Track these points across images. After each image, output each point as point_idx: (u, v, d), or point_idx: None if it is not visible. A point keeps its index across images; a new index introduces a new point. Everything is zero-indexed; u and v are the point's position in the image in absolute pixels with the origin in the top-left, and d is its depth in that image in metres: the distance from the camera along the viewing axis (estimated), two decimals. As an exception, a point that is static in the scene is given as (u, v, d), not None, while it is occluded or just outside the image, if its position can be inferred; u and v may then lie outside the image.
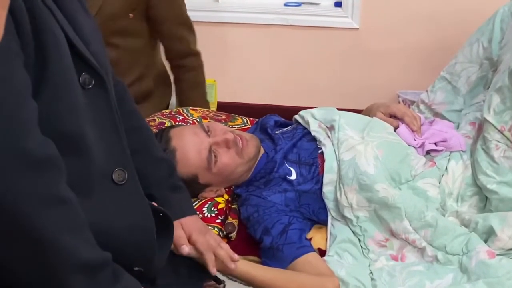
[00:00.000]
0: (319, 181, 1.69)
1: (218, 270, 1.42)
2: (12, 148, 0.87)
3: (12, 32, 0.87)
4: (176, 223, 1.36)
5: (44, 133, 0.95)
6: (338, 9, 2.55)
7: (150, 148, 1.41)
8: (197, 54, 2.38)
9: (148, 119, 2.04)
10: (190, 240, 1.40)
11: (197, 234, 1.39)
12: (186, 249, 1.37)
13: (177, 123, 2.05)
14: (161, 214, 1.26)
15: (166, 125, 2.00)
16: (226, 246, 1.43)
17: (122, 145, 1.17)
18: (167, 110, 2.27)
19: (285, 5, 2.62)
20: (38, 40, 0.96)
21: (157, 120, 2.07)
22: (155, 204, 1.34)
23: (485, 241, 1.52)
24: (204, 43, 2.65)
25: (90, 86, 1.07)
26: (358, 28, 2.51)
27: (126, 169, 1.15)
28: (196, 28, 2.63)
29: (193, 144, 1.69)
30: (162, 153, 1.48)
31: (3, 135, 0.86)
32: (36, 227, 0.91)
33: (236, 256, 1.43)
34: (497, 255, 1.49)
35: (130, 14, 2.17)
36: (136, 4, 2.19)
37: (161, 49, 2.43)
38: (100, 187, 1.10)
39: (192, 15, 2.61)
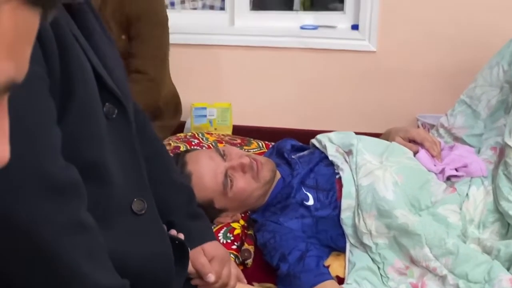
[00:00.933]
0: (337, 207, 1.69)
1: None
2: (35, 172, 0.89)
3: (39, 57, 0.89)
4: (198, 249, 1.37)
5: (66, 160, 0.96)
6: (355, 32, 2.55)
7: (170, 174, 1.42)
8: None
9: (163, 143, 2.06)
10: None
11: (218, 263, 1.39)
12: (212, 278, 1.36)
13: (192, 147, 2.07)
14: (177, 242, 1.27)
15: (181, 149, 2.02)
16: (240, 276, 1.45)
17: (141, 175, 1.18)
18: (182, 134, 2.31)
19: (302, 28, 2.63)
20: (65, 68, 0.98)
21: (172, 144, 2.09)
22: (173, 231, 1.35)
23: (508, 269, 1.51)
24: (219, 66, 2.68)
25: (113, 116, 1.09)
26: (375, 51, 2.52)
27: (146, 199, 1.16)
28: (212, 51, 2.67)
29: (208, 168, 1.70)
30: (182, 179, 1.49)
31: (27, 159, 0.87)
32: (56, 252, 0.92)
33: None
34: (521, 283, 1.48)
35: (122, 36, 2.18)
36: (125, 25, 2.21)
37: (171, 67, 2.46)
38: (119, 216, 1.12)
39: (208, 38, 2.65)
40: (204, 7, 2.97)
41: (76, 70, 0.99)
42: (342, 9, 2.66)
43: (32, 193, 0.89)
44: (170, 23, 2.29)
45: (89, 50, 1.05)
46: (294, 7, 3.50)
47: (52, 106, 0.94)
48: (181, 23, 2.67)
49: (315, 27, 2.64)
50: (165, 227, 1.35)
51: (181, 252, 1.27)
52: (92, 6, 1.19)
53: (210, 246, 1.39)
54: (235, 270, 1.45)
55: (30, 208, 0.89)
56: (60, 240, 0.92)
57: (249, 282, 1.55)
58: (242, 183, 1.71)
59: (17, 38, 0.50)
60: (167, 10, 2.62)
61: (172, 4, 2.92)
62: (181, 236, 1.35)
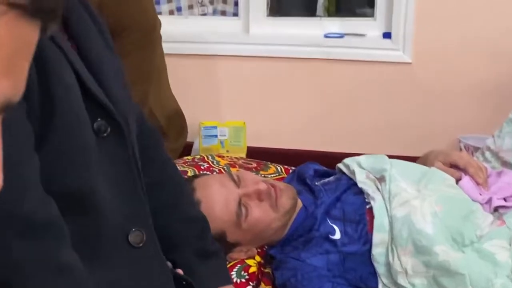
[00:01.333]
0: (368, 242, 1.69)
1: None
2: (7, 210, 0.89)
3: None
4: None
5: (48, 189, 0.97)
6: (387, 40, 2.57)
7: (181, 204, 1.42)
8: None
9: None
10: None
11: None
12: None
13: (201, 172, 2.08)
14: (184, 283, 1.28)
15: (188, 174, 2.03)
16: None
17: (141, 202, 1.18)
18: (189, 157, 2.31)
19: (326, 36, 2.65)
20: (44, 86, 0.98)
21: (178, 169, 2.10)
22: (179, 269, 1.35)
23: None
24: (232, 79, 2.69)
25: (105, 134, 1.09)
26: (410, 63, 2.53)
27: (145, 230, 1.16)
28: (223, 62, 2.68)
29: (220, 195, 1.71)
30: (196, 211, 1.49)
31: None
32: None
33: None
34: None
35: None
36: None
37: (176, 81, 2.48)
38: (114, 249, 1.12)
39: (220, 48, 2.67)
40: (215, 12, 3.00)
41: (57, 87, 0.99)
42: (372, 15, 2.68)
43: (3, 235, 0.90)
44: (176, 32, 2.31)
45: (77, 61, 1.06)
46: (317, 13, 3.52)
47: (29, 132, 0.95)
48: (188, 31, 2.70)
49: (341, 35, 2.65)
50: (170, 265, 1.35)
51: None
52: (91, 8, 1.20)
53: None
54: None
55: (1, 250, 0.90)
56: (35, 283, 0.93)
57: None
58: (259, 212, 1.71)
59: (14, 54, 0.52)
60: (170, 16, 2.67)
61: (179, 9, 2.93)
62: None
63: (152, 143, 1.36)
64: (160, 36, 2.25)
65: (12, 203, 0.90)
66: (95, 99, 1.07)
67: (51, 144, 1.00)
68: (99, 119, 1.08)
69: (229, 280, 1.46)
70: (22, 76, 0.54)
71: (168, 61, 2.37)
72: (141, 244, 1.15)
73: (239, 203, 1.70)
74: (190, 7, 2.96)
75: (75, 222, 1.02)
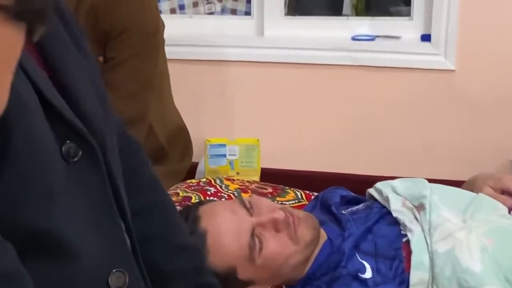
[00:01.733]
0: (405, 282, 1.69)
1: None
2: None
3: None
4: None
5: (4, 230, 0.97)
6: (426, 43, 2.58)
7: (172, 233, 1.42)
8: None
9: (168, 192, 2.08)
10: None
11: None
12: None
13: (207, 198, 2.09)
14: None
15: (193, 200, 2.05)
16: None
17: (121, 237, 1.18)
18: (193, 180, 2.32)
19: (354, 39, 2.67)
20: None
21: (180, 194, 2.12)
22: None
23: None
24: (243, 89, 2.71)
25: (76, 159, 1.09)
26: (453, 70, 2.53)
27: (127, 270, 1.16)
28: (236, 69, 2.70)
29: (230, 225, 1.72)
30: (189, 239, 1.50)
31: None
32: None
33: None
34: None
35: (100, 58, 2.18)
36: (103, 43, 2.20)
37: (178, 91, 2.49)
38: None
39: (232, 52, 2.69)
40: (224, 11, 3.03)
41: (13, 109, 0.94)
42: (408, 14, 2.70)
43: None
44: (178, 34, 2.32)
45: (38, 74, 1.06)
46: (344, 11, 3.54)
47: None
48: (193, 32, 2.74)
49: (371, 38, 2.67)
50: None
51: None
52: (62, 5, 1.20)
53: None
54: None
55: None
56: None
57: None
58: (275, 245, 1.71)
59: None
60: (172, 16, 2.68)
61: (182, 7, 2.97)
62: None
63: (138, 164, 1.37)
64: (163, 40, 2.27)
65: None
66: (62, 118, 1.07)
67: (7, 177, 0.99)
68: (68, 141, 1.08)
69: None
70: (5, 88, 0.57)
71: (169, 67, 2.39)
72: (124, 287, 1.15)
73: (252, 234, 1.70)
74: (195, 4, 2.99)
75: (43, 268, 1.02)
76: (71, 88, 1.11)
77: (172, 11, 2.90)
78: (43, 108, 1.04)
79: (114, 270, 1.14)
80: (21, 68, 1.00)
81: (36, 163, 1.02)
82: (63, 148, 1.06)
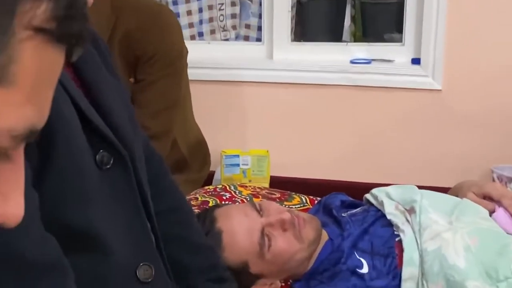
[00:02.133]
0: (397, 276, 1.69)
1: None
2: (5, 253, 0.89)
3: None
4: None
5: (48, 227, 0.98)
6: (416, 66, 2.58)
7: (192, 234, 1.43)
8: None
9: (188, 197, 2.08)
10: None
11: None
12: None
13: (223, 202, 2.09)
14: None
15: (210, 204, 2.04)
16: None
17: (147, 235, 1.19)
18: (211, 187, 2.33)
19: (352, 62, 2.66)
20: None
21: (199, 199, 2.12)
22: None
23: None
24: (255, 107, 2.71)
25: (108, 166, 1.10)
26: (440, 89, 2.53)
27: (153, 264, 1.17)
28: (246, 89, 2.70)
29: (242, 225, 1.72)
30: (204, 239, 1.51)
31: None
32: None
33: None
34: None
35: (130, 79, 2.17)
36: (133, 66, 2.19)
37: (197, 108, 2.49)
38: (123, 286, 1.13)
39: (243, 74, 2.68)
40: (237, 38, 3.03)
41: (55, 121, 0.99)
42: (400, 40, 2.70)
43: (2, 278, 0.91)
44: (197, 57, 2.32)
45: (76, 92, 1.07)
46: (343, 38, 3.54)
47: (26, 168, 0.95)
48: (210, 56, 2.74)
49: (368, 61, 2.67)
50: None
51: None
52: (96, 36, 1.22)
53: None
54: None
55: None
56: None
57: None
58: (282, 242, 1.71)
59: (39, 80, 0.53)
60: (193, 42, 2.68)
61: (200, 34, 2.97)
62: None
63: (160, 172, 1.38)
64: (187, 64, 2.28)
65: (7, 243, 0.90)
66: (97, 131, 1.08)
67: (50, 182, 1.01)
68: (101, 150, 1.09)
69: None
70: (47, 102, 0.55)
71: (190, 87, 2.40)
72: (150, 279, 1.16)
73: (262, 233, 1.70)
74: (212, 32, 2.99)
75: (80, 260, 1.03)
76: (103, 105, 1.12)
77: (192, 37, 2.90)
78: (80, 121, 1.05)
79: (141, 264, 1.15)
80: (61, 85, 1.02)
81: (75, 170, 1.04)
82: (97, 157, 1.08)
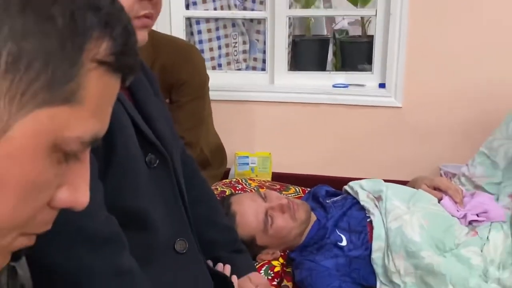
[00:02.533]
0: (368, 248, 1.69)
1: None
2: (78, 227, 0.90)
3: None
4: (245, 278, 1.39)
5: (110, 209, 0.98)
6: (382, 89, 2.57)
7: (217, 217, 1.44)
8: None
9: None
10: None
11: None
12: None
13: (236, 191, 2.10)
14: (221, 276, 1.29)
15: (227, 193, 2.05)
16: None
17: (183, 217, 1.19)
18: (227, 180, 2.34)
19: (334, 86, 2.65)
20: (107, 130, 0.99)
21: (219, 189, 2.13)
22: (220, 265, 1.37)
23: (528, 308, 1.49)
24: (261, 119, 2.71)
25: (155, 165, 1.10)
26: (401, 107, 2.53)
27: (187, 239, 1.17)
28: (254, 106, 2.70)
29: (251, 208, 1.73)
30: (227, 221, 1.52)
31: (70, 216, 0.89)
32: None
33: None
34: (540, 321, 1.45)
35: (166, 100, 2.13)
36: (169, 90, 2.17)
37: (217, 121, 2.49)
38: (163, 256, 1.12)
39: (251, 95, 2.68)
40: (247, 68, 3.02)
41: (116, 130, 1.00)
42: (370, 69, 2.68)
43: (74, 247, 0.91)
44: (217, 83, 2.30)
45: (130, 106, 1.07)
46: (327, 68, 3.53)
47: (95, 163, 0.95)
48: (227, 82, 2.72)
49: (346, 86, 2.65)
50: (211, 262, 1.37)
51: (225, 285, 1.29)
52: (144, 64, 1.22)
53: (255, 276, 1.42)
54: None
55: (73, 259, 0.91)
56: (98, 284, 0.93)
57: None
58: (281, 221, 1.72)
59: (101, 100, 0.53)
60: (213, 71, 2.69)
61: (220, 65, 2.96)
62: (228, 268, 1.37)
63: (192, 171, 1.37)
64: (208, 88, 2.27)
65: (79, 220, 0.89)
66: (145, 137, 1.09)
67: (112, 174, 1.01)
68: (150, 153, 1.10)
69: (255, 269, 1.48)
70: (107, 117, 0.56)
71: (212, 106, 2.39)
72: (184, 251, 1.16)
73: (266, 214, 1.72)
74: (228, 63, 2.99)
75: (133, 235, 1.02)
76: (150, 118, 1.13)
77: (213, 68, 2.90)
78: (134, 130, 1.06)
79: (178, 239, 1.16)
80: (120, 101, 1.03)
81: (130, 168, 1.04)
82: (146, 158, 1.09)
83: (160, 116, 1.17)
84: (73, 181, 0.55)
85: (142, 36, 1.02)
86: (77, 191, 0.55)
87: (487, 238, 1.64)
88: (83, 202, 0.56)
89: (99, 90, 0.52)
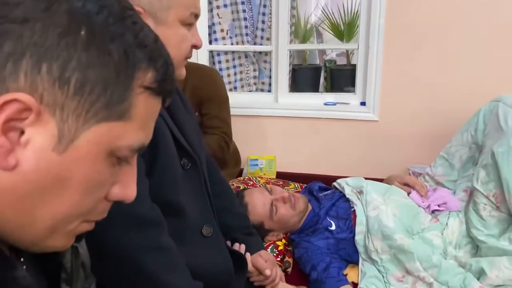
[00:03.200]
0: (352, 232, 1.69)
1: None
2: (129, 212, 0.90)
3: None
4: (256, 255, 1.38)
5: (153, 200, 0.98)
6: (363, 107, 2.56)
7: (234, 207, 1.43)
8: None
9: (229, 183, 2.08)
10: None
11: (271, 264, 1.40)
12: (268, 272, 1.37)
13: (248, 186, 2.10)
14: (238, 254, 1.29)
15: (241, 188, 2.05)
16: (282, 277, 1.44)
17: (209, 208, 1.18)
18: (241, 178, 2.33)
19: (325, 104, 2.65)
20: (152, 138, 1.00)
21: (235, 185, 2.13)
22: (236, 245, 1.37)
23: (478, 279, 1.48)
24: (267, 130, 2.70)
25: (188, 167, 1.10)
26: (378, 120, 2.52)
27: (212, 226, 1.17)
28: (262, 121, 2.68)
29: (260, 200, 1.72)
30: (241, 210, 1.51)
31: (123, 204, 0.89)
32: (144, 269, 0.93)
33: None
34: (488, 290, 1.44)
35: (196, 113, 2.13)
36: (199, 104, 2.15)
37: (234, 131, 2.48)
38: (192, 238, 1.13)
39: (259, 111, 2.67)
40: (257, 90, 3.02)
41: (159, 139, 1.00)
42: (353, 91, 2.67)
43: (126, 227, 0.92)
44: (233, 101, 2.29)
45: (168, 119, 1.07)
46: (319, 90, 3.55)
47: (141, 164, 0.96)
48: (240, 101, 2.72)
49: (334, 104, 2.64)
50: (230, 243, 1.37)
51: (240, 261, 1.29)
52: (178, 88, 1.22)
53: (264, 253, 1.42)
54: (280, 272, 1.46)
55: (124, 238, 0.91)
56: (146, 258, 0.93)
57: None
58: (284, 210, 1.72)
59: (147, 117, 0.54)
60: (231, 92, 2.69)
61: (235, 88, 2.96)
62: (243, 247, 1.36)
63: (215, 171, 1.37)
64: (229, 105, 2.27)
65: (133, 205, 0.89)
66: (180, 144, 1.08)
67: (155, 173, 1.01)
68: (184, 158, 1.09)
69: (264, 247, 1.47)
70: (151, 130, 0.56)
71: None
72: (209, 235, 1.16)
73: (271, 205, 1.72)
74: (242, 86, 2.99)
75: (170, 221, 1.02)
76: (183, 129, 1.12)
77: (230, 90, 2.89)
78: (172, 139, 1.06)
79: (205, 225, 1.15)
80: (162, 117, 1.03)
81: (169, 169, 1.04)
82: (182, 162, 1.09)
83: (191, 129, 1.17)
84: (124, 180, 0.56)
85: (184, 71, 1.04)
86: (127, 188, 0.56)
87: (446, 224, 1.64)
88: (131, 196, 0.57)
89: (145, 109, 0.53)
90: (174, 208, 1.06)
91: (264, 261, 1.38)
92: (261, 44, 2.90)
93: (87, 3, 0.48)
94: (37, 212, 0.50)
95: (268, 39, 2.86)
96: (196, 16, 1.03)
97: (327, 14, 3.56)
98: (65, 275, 0.63)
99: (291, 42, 2.73)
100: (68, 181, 0.49)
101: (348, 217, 1.74)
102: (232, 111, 2.42)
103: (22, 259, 0.56)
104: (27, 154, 0.47)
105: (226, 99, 2.23)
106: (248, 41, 2.92)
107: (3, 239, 0.51)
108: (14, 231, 0.50)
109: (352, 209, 1.75)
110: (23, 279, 0.50)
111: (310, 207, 1.82)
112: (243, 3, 2.86)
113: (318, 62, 3.88)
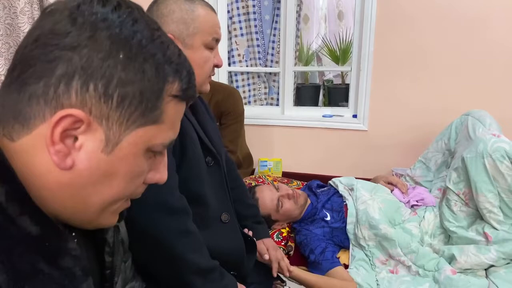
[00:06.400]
0: (344, 222, 1.68)
1: (281, 274, 1.41)
2: (161, 201, 0.91)
3: None
4: (260, 241, 1.37)
5: (181, 192, 0.98)
6: (355, 119, 2.55)
7: (246, 198, 1.42)
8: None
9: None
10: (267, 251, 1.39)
11: (272, 249, 1.39)
12: (267, 257, 1.37)
13: (258, 183, 2.10)
14: (249, 239, 1.28)
15: (252, 184, 2.05)
16: (286, 261, 1.42)
17: (228, 199, 1.17)
18: (253, 176, 2.32)
19: (323, 116, 2.64)
20: (181, 140, 0.98)
21: (247, 181, 2.13)
22: (247, 230, 1.36)
23: (449, 263, 1.47)
24: (275, 138, 2.70)
25: (211, 164, 1.09)
26: (367, 130, 2.51)
27: (229, 213, 1.16)
28: (269, 130, 2.67)
29: (268, 196, 1.72)
30: (252, 202, 1.50)
31: (157, 194, 0.88)
32: (172, 248, 0.93)
33: (291, 268, 1.42)
34: (457, 272, 1.43)
35: (217, 123, 2.14)
36: (219, 116, 2.12)
37: (247, 138, 2.47)
38: (213, 224, 1.12)
39: (269, 121, 2.66)
40: (267, 104, 3.03)
41: (187, 140, 1.00)
42: (347, 105, 2.66)
43: (158, 214, 0.91)
44: (247, 113, 2.27)
45: (196, 125, 1.06)
46: (319, 104, 3.54)
47: (173, 161, 0.96)
48: (253, 113, 2.72)
49: (331, 116, 2.64)
50: (241, 228, 1.37)
51: (252, 244, 1.29)
52: (202, 98, 1.22)
53: (267, 240, 1.41)
54: (282, 254, 1.44)
55: (157, 223, 0.91)
56: (174, 240, 0.93)
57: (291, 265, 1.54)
58: (288, 205, 1.72)
59: (175, 119, 0.55)
60: (246, 105, 2.68)
61: (249, 102, 2.97)
62: (251, 233, 1.36)
63: (232, 168, 1.36)
64: (244, 116, 2.27)
65: (163, 197, 0.90)
66: (206, 145, 1.07)
67: (184, 168, 1.00)
68: (208, 156, 1.08)
69: (269, 235, 1.46)
70: (178, 128, 0.56)
71: (244, 128, 2.39)
72: (227, 221, 1.14)
73: (278, 200, 1.71)
74: (255, 101, 3.00)
75: (195, 209, 1.02)
76: (207, 130, 1.11)
77: (245, 103, 2.88)
78: (198, 138, 1.05)
79: (223, 213, 1.14)
80: (189, 121, 1.02)
81: (196, 165, 1.03)
82: (206, 159, 1.07)
83: (213, 133, 1.16)
84: (158, 167, 0.57)
85: (208, 86, 1.04)
86: (160, 173, 0.57)
87: (423, 216, 1.63)
88: (164, 179, 0.57)
89: (173, 113, 0.54)
90: (198, 198, 1.06)
91: (266, 248, 1.36)
92: (271, 66, 2.91)
93: (123, 30, 0.49)
94: (90, 199, 0.51)
95: (277, 62, 2.87)
96: (217, 40, 1.04)
97: (326, 42, 3.57)
98: (108, 249, 0.64)
99: (295, 64, 2.74)
100: (114, 174, 0.51)
101: (341, 209, 1.73)
102: (247, 121, 2.42)
103: (73, 234, 0.57)
104: (81, 156, 0.48)
105: (242, 112, 2.23)
106: (260, 64, 2.94)
107: (60, 219, 0.53)
108: (72, 215, 0.52)
109: (344, 203, 1.74)
110: (74, 250, 0.51)
111: (309, 201, 1.82)
112: (256, 32, 2.89)
113: (318, 81, 3.88)
